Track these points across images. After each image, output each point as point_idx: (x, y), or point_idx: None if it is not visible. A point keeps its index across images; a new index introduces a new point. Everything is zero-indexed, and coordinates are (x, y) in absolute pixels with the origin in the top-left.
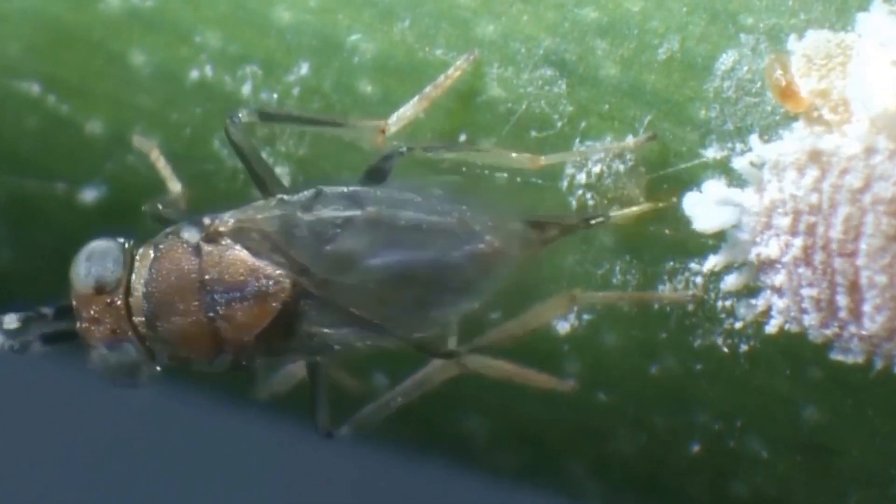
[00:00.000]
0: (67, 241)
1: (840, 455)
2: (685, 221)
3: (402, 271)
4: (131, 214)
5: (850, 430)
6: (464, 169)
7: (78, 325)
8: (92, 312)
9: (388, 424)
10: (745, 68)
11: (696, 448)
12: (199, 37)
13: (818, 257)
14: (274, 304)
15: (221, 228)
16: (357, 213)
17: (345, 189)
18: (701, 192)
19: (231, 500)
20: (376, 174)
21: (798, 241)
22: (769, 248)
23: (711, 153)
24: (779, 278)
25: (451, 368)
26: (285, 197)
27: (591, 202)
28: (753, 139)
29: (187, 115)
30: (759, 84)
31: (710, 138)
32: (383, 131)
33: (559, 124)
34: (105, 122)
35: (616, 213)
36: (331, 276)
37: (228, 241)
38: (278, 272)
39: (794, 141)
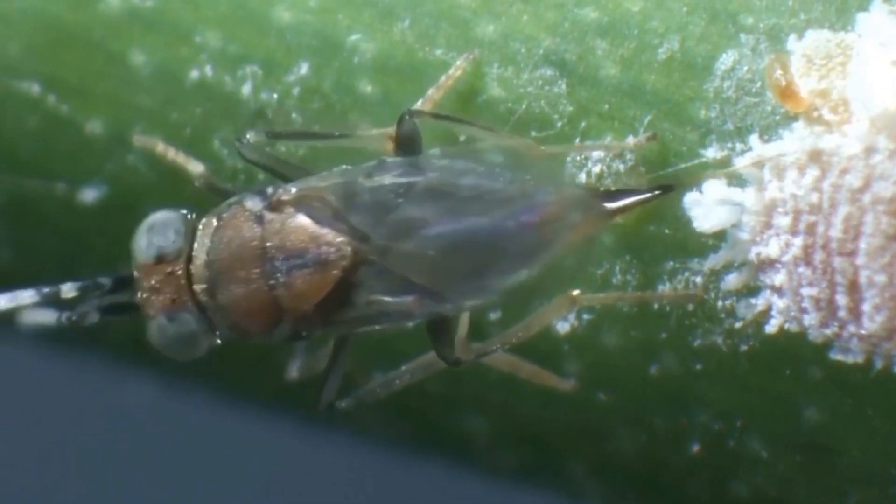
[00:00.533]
0: (67, 241)
1: (840, 455)
2: (685, 221)
3: (461, 239)
4: (131, 214)
5: (850, 430)
6: (500, 143)
7: (138, 295)
8: (153, 282)
9: (389, 424)
10: (745, 68)
11: (696, 448)
12: (199, 37)
13: (818, 257)
14: (334, 272)
15: (284, 197)
16: (418, 179)
17: (407, 158)
18: (701, 192)
19: (231, 500)
20: (404, 143)
21: (798, 241)
22: (769, 248)
23: (711, 153)
24: (779, 278)
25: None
26: (348, 166)
27: (598, 187)
28: (753, 139)
29: (187, 115)
30: (759, 84)
31: (710, 138)
32: (391, 138)
33: (559, 124)
34: (105, 122)
35: (677, 184)
36: (391, 243)
37: (291, 209)
38: (339, 239)
39: (795, 141)
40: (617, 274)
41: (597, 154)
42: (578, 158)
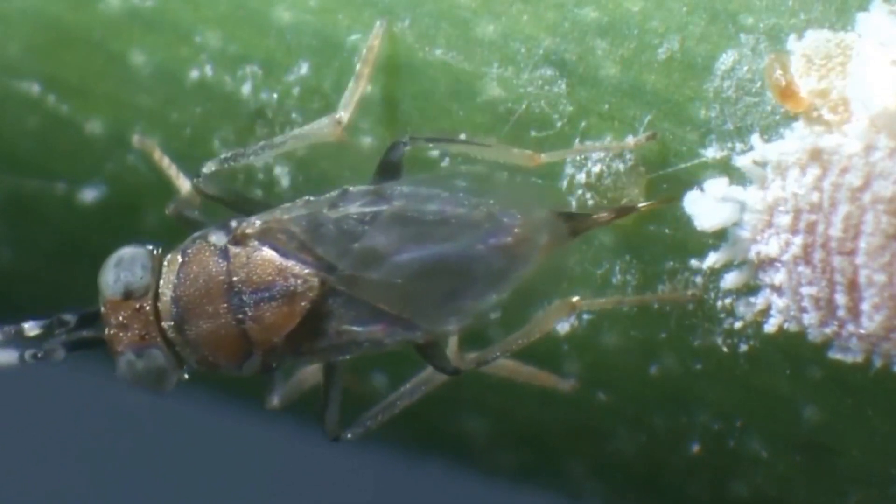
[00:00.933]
0: (67, 241)
1: (840, 455)
2: (685, 221)
3: (429, 265)
4: (131, 214)
5: (850, 430)
6: (463, 168)
7: (106, 331)
8: (120, 318)
9: (389, 425)
10: (745, 68)
11: (696, 448)
12: (199, 37)
13: (817, 256)
14: (303, 304)
15: (249, 230)
16: (383, 208)
17: (370, 186)
18: (702, 191)
19: (231, 500)
20: (388, 168)
21: (798, 240)
22: (769, 247)
23: (711, 153)
24: (779, 277)
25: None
26: (311, 197)
27: (590, 202)
28: (755, 139)
29: (187, 115)
30: (758, 84)
31: (710, 138)
32: (340, 122)
33: (559, 124)
34: (105, 122)
35: (644, 203)
36: (358, 273)
37: (256, 242)
38: (306, 271)
39: (796, 140)
40: (617, 274)
41: (597, 154)
42: (578, 158)
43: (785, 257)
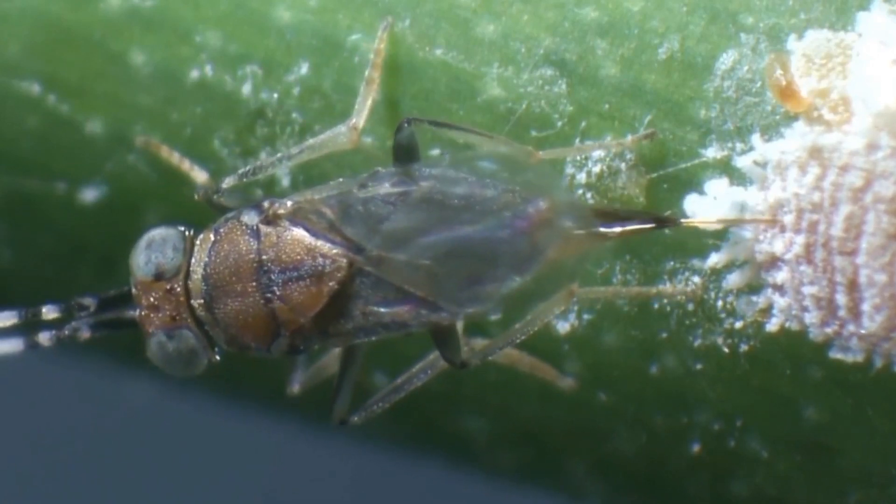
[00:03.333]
0: (67, 241)
1: (840, 455)
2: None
3: (455, 247)
4: (131, 214)
5: (850, 430)
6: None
7: (137, 312)
8: (151, 300)
9: (388, 424)
10: (745, 68)
11: (696, 448)
12: (199, 36)
13: (819, 255)
14: (331, 284)
15: (280, 210)
16: (412, 188)
17: (400, 167)
18: (703, 192)
19: (231, 500)
20: (402, 150)
21: (800, 239)
22: (772, 246)
23: (711, 153)
24: (781, 276)
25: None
26: (343, 178)
27: (590, 202)
28: (755, 138)
29: (187, 114)
30: (759, 84)
31: (710, 138)
32: (355, 129)
33: (559, 124)
34: (105, 121)
35: (685, 220)
36: (385, 253)
37: (287, 223)
38: (335, 251)
39: (796, 138)
40: (617, 273)
41: (597, 153)
42: (578, 158)
43: (787, 256)
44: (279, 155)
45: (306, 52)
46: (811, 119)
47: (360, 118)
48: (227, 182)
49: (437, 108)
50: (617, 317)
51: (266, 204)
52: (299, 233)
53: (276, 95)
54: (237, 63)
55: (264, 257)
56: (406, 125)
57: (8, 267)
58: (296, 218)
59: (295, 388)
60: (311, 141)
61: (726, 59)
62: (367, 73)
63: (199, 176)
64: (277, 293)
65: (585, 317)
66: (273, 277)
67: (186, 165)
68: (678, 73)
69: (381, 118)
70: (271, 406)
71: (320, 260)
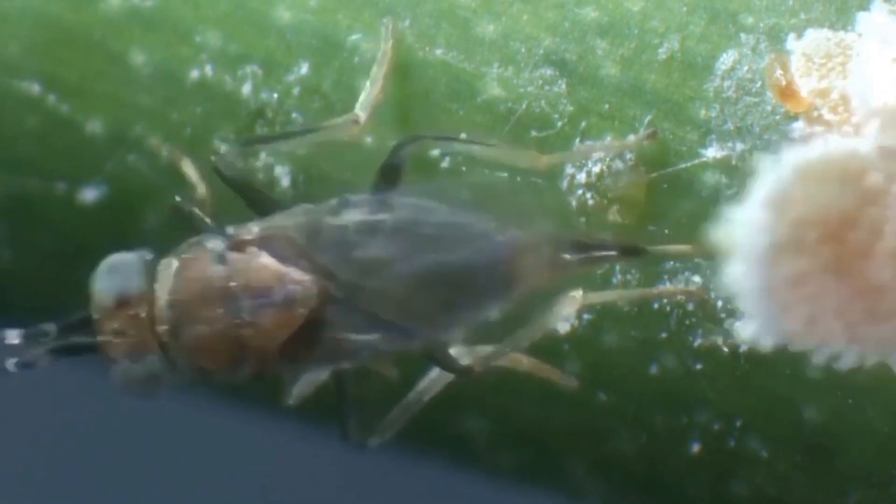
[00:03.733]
0: (67, 241)
1: (840, 455)
2: (685, 221)
3: (428, 275)
4: (131, 214)
5: (850, 430)
6: (466, 178)
7: (100, 338)
8: (115, 325)
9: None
10: (746, 68)
11: (696, 448)
12: (199, 36)
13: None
14: (301, 311)
15: (247, 237)
16: (385, 217)
17: (371, 195)
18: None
19: (231, 500)
20: (390, 171)
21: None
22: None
23: (711, 153)
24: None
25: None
26: (311, 205)
27: (591, 202)
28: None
29: (187, 114)
30: (759, 84)
31: (711, 138)
32: (356, 122)
33: (559, 124)
34: (105, 122)
35: (654, 247)
36: (357, 281)
37: (254, 248)
38: (305, 278)
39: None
40: (617, 274)
41: (597, 154)
42: (580, 159)
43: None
44: (278, 135)
45: (306, 52)
46: (811, 119)
47: (364, 112)
48: (226, 147)
49: (437, 108)
50: (617, 317)
51: (231, 230)
52: (267, 259)
53: (276, 95)
54: (237, 63)
55: (232, 284)
56: (406, 147)
57: (8, 267)
58: (263, 244)
59: (290, 400)
60: (312, 127)
61: (726, 59)
62: (372, 70)
63: (200, 190)
64: (246, 320)
65: (585, 317)
66: (241, 304)
67: (196, 177)
68: (678, 73)
69: (381, 118)
70: (271, 406)
71: (290, 287)
